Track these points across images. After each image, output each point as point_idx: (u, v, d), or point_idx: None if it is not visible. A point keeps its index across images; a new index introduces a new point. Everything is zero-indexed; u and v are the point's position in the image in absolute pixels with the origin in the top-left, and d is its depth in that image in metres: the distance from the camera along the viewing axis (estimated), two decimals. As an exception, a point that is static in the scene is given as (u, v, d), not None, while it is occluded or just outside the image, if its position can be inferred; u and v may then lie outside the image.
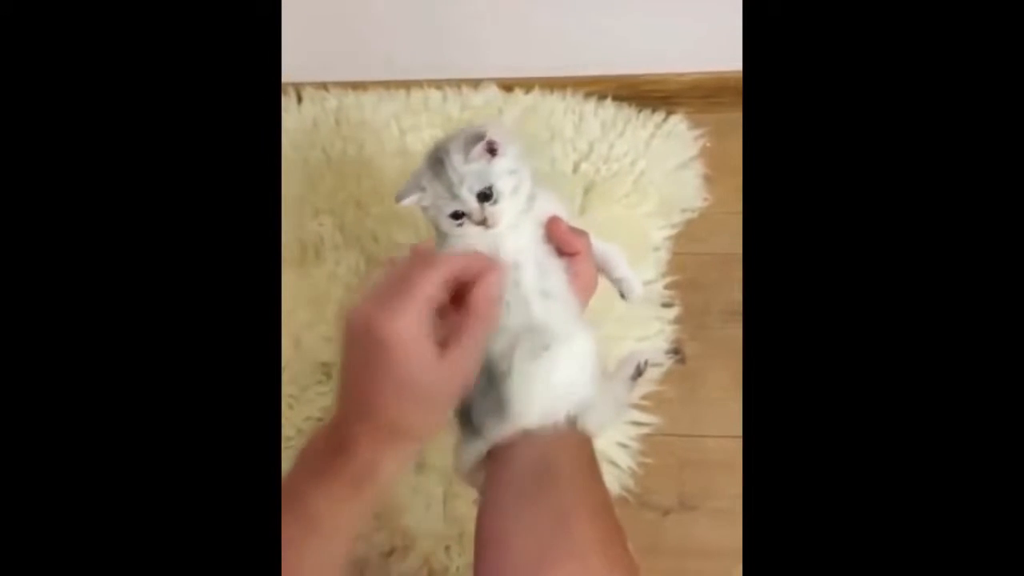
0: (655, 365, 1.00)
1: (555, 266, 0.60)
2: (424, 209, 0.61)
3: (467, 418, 0.58)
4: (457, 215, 0.58)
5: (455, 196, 0.57)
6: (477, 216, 0.57)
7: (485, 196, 0.57)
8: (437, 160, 0.59)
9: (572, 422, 0.58)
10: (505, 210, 0.58)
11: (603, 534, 0.57)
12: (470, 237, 0.58)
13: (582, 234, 0.61)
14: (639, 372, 0.65)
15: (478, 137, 0.57)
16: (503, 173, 0.58)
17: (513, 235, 0.59)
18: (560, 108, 1.15)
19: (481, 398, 0.56)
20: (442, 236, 0.61)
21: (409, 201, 0.60)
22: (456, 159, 0.57)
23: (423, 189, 0.59)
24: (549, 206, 0.61)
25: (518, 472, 0.57)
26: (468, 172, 0.57)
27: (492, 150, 0.58)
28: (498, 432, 0.56)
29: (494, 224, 0.57)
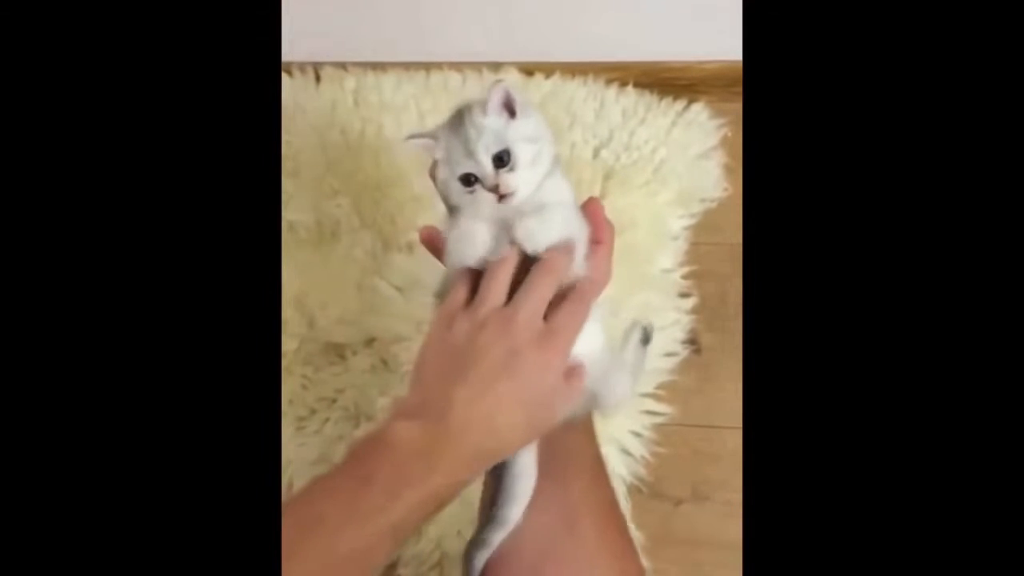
0: (671, 355, 1.00)
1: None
2: (434, 175, 0.58)
3: None
4: (469, 180, 0.54)
5: (470, 153, 0.54)
6: (490, 181, 0.53)
7: (501, 161, 0.53)
8: (458, 115, 0.56)
9: (593, 401, 0.58)
10: (521, 181, 0.54)
11: (610, 533, 0.57)
12: (480, 208, 0.55)
13: (610, 225, 0.60)
14: (647, 336, 0.64)
15: (498, 90, 0.54)
16: (522, 138, 0.54)
17: (519, 210, 0.55)
18: (581, 94, 1.14)
19: None
20: (451, 212, 0.58)
21: (418, 143, 0.57)
22: (476, 112, 0.55)
23: (436, 138, 0.56)
24: (560, 184, 0.58)
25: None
26: (486, 127, 0.54)
27: (510, 107, 0.55)
28: None
29: (506, 192, 0.54)
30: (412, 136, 0.57)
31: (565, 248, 0.54)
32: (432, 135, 0.57)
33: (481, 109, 0.55)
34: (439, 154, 0.57)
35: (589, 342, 0.56)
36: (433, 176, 0.58)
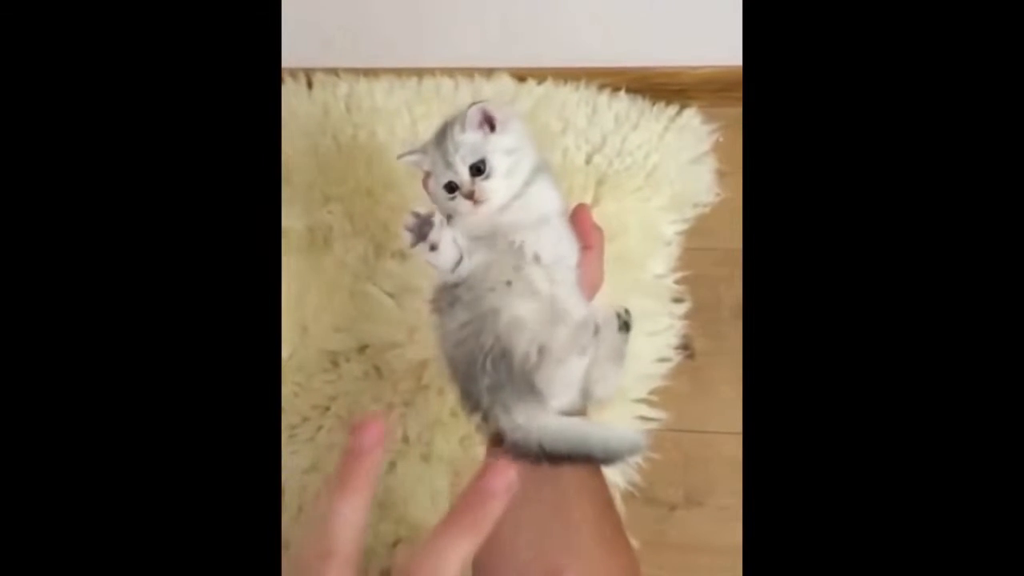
0: (664, 360, 1.00)
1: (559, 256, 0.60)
2: (425, 185, 0.62)
3: (480, 405, 0.57)
4: (451, 187, 0.59)
5: (449, 164, 0.58)
6: (466, 188, 0.58)
7: (477, 170, 0.58)
8: (442, 130, 0.61)
9: (587, 395, 0.59)
10: (496, 188, 0.58)
11: (606, 532, 0.57)
12: (464, 215, 0.59)
13: (598, 230, 0.60)
14: (625, 323, 0.65)
15: (478, 107, 0.59)
16: (499, 150, 0.59)
17: (509, 218, 0.59)
18: (573, 100, 1.14)
19: (509, 386, 0.56)
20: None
21: (409, 159, 0.62)
22: (456, 128, 0.59)
23: (424, 152, 0.61)
24: (547, 194, 0.61)
25: (518, 466, 0.56)
26: (463, 142, 0.58)
27: (490, 123, 0.59)
28: (527, 418, 0.56)
29: (481, 199, 0.58)
30: (403, 154, 0.63)
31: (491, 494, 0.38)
32: (422, 149, 0.62)
33: (461, 125, 0.59)
34: (428, 166, 0.61)
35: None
36: (426, 186, 0.61)
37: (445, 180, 0.59)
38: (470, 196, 0.58)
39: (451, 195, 0.59)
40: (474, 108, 0.59)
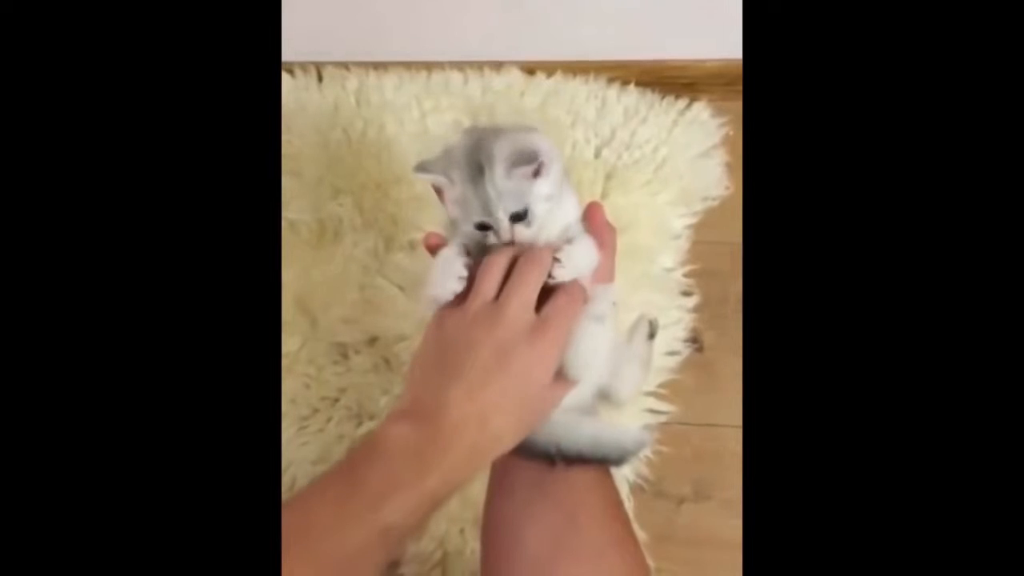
0: (673, 353, 1.00)
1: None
2: (439, 193, 0.59)
3: None
4: (484, 227, 0.55)
5: (488, 212, 0.54)
6: (506, 236, 0.55)
7: (518, 217, 0.54)
8: (477, 165, 0.54)
9: (605, 394, 0.59)
10: (535, 234, 0.56)
11: (615, 528, 0.57)
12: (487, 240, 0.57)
13: (612, 229, 0.60)
14: (653, 331, 0.65)
15: (528, 157, 0.53)
16: (542, 197, 0.55)
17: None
18: (583, 93, 1.14)
19: None
20: (452, 223, 0.59)
21: (429, 179, 0.57)
22: (498, 172, 0.53)
23: (451, 181, 0.55)
24: (568, 204, 0.59)
25: (528, 465, 0.57)
26: (507, 190, 0.53)
27: (536, 169, 0.54)
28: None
29: (521, 243, 0.56)
30: (421, 169, 0.57)
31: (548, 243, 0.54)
32: (444, 172, 0.56)
33: (503, 166, 0.53)
34: (452, 195, 0.56)
35: (596, 341, 0.57)
36: (441, 198, 0.58)
37: (478, 220, 0.55)
38: (510, 243, 0.55)
39: (483, 232, 0.56)
40: (527, 168, 0.53)
